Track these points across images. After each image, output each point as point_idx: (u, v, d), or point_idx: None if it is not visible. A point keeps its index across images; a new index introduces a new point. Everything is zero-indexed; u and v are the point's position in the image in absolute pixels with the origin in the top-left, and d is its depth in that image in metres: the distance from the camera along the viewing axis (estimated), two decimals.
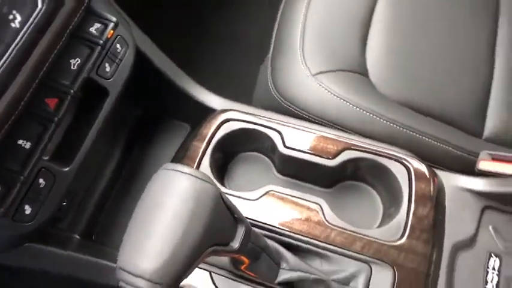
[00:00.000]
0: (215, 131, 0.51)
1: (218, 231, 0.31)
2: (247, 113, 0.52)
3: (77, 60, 0.41)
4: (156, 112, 0.59)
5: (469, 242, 0.45)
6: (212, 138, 0.51)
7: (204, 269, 0.44)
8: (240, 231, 0.34)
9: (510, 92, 0.64)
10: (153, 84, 0.54)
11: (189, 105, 0.56)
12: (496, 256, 0.45)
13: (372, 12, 0.63)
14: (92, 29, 0.42)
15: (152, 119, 0.60)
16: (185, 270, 0.29)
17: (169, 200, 0.29)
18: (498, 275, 0.44)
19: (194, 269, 0.31)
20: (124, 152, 0.58)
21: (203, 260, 0.31)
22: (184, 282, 0.44)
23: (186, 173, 0.30)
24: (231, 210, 0.33)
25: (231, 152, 0.55)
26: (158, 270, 0.27)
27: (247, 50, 0.84)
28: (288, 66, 0.58)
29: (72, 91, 0.40)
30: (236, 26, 0.99)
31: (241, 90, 0.69)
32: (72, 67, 0.41)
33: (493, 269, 0.44)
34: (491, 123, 0.62)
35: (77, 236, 0.53)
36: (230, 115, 0.51)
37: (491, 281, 0.44)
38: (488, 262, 0.45)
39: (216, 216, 0.30)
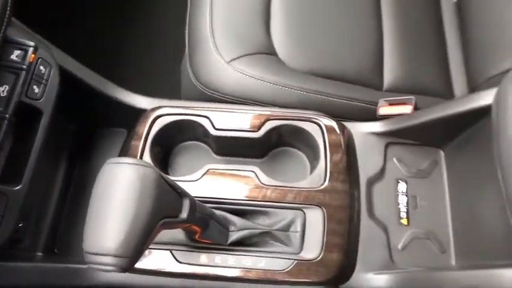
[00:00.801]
0: (149, 128, 0.56)
1: (165, 205, 0.37)
2: (175, 107, 0.57)
3: (5, 87, 0.44)
4: (92, 123, 0.63)
5: (380, 174, 0.55)
6: (148, 135, 0.56)
7: (165, 249, 0.50)
8: (186, 204, 0.40)
9: (399, 44, 0.75)
10: (82, 98, 0.57)
11: (121, 111, 0.60)
12: (403, 181, 0.55)
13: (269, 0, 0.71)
14: (13, 57, 0.45)
15: (89, 131, 0.64)
16: (143, 243, 0.35)
17: (118, 186, 0.34)
18: (406, 195, 0.54)
19: (151, 241, 0.36)
20: (69, 166, 0.61)
21: (158, 232, 0.36)
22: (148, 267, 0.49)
23: (128, 162, 0.35)
24: (173, 187, 0.39)
25: (169, 145, 0.60)
26: (121, 246, 0.33)
27: (167, 50, 0.88)
28: (204, 59, 0.64)
29: (6, 116, 0.43)
30: (154, 28, 1.03)
31: (168, 89, 0.74)
32: (1, 94, 0.44)
33: (402, 191, 0.54)
34: (389, 75, 0.73)
35: (40, 253, 0.56)
36: (161, 111, 0.57)
37: (402, 202, 0.54)
38: (397, 187, 0.55)
39: (161, 193, 0.36)
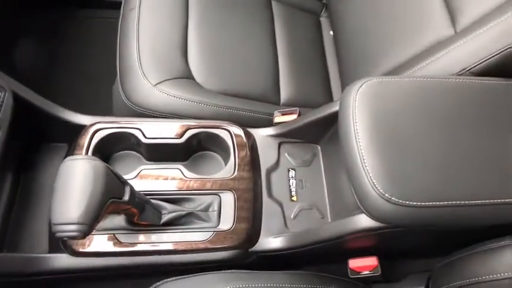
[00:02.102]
0: (90, 140, 0.68)
1: (112, 188, 0.50)
2: (112, 122, 0.70)
3: None
4: (36, 139, 0.73)
5: (275, 165, 0.73)
6: (89, 146, 0.68)
7: (109, 234, 0.62)
8: (127, 189, 0.53)
9: (291, 68, 0.95)
10: (26, 117, 0.67)
11: (62, 128, 0.72)
12: (292, 169, 0.73)
13: (186, 31, 0.87)
14: None
15: (33, 147, 0.74)
16: (98, 215, 0.48)
17: (76, 174, 0.47)
18: (295, 179, 0.72)
19: (103, 215, 0.49)
20: (15, 176, 0.70)
21: (108, 209, 0.50)
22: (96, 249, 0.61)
23: (83, 158, 0.49)
24: (117, 176, 0.52)
25: (107, 155, 0.72)
26: (81, 216, 0.46)
27: (97, 75, 1.00)
28: (134, 83, 0.78)
29: None
30: (85, 56, 1.15)
31: (100, 111, 0.85)
32: None
33: (292, 177, 0.73)
34: (284, 93, 0.93)
35: None
36: (99, 126, 0.69)
37: (292, 184, 0.72)
38: (288, 174, 0.73)
39: (108, 179, 0.49)
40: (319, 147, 0.76)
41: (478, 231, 0.59)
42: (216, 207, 0.66)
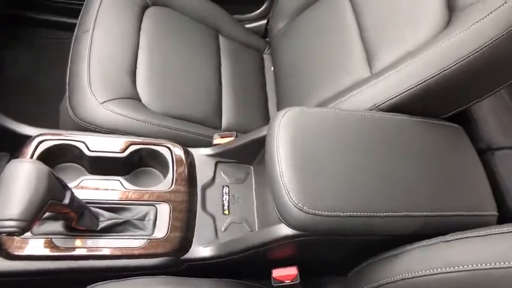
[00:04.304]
0: (34, 149, 0.72)
1: (53, 190, 0.55)
2: (57, 134, 0.74)
3: None
4: None
5: (211, 182, 0.80)
6: (33, 156, 0.71)
7: (46, 238, 0.65)
8: (68, 193, 0.58)
9: (233, 96, 1.04)
10: None
11: (6, 137, 0.75)
12: (226, 186, 0.80)
13: (136, 55, 0.94)
14: None
15: None
16: (38, 213, 0.52)
17: (20, 175, 0.51)
18: (228, 195, 0.79)
19: (43, 214, 0.53)
20: None
21: (47, 209, 0.54)
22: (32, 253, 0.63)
23: (27, 160, 0.53)
24: (59, 179, 0.57)
25: (51, 166, 0.75)
26: (21, 212, 0.50)
27: (49, 92, 1.03)
28: (82, 99, 0.83)
29: None
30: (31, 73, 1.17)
31: (48, 125, 0.89)
32: None
33: (225, 193, 0.80)
34: (225, 118, 1.01)
35: None
36: (45, 137, 0.73)
37: (225, 200, 0.79)
38: (223, 190, 0.80)
39: (51, 181, 0.54)
40: (251, 168, 0.85)
41: (381, 243, 0.69)
42: (152, 217, 0.71)
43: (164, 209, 0.71)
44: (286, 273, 0.72)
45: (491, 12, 0.67)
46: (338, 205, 0.61)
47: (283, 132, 0.66)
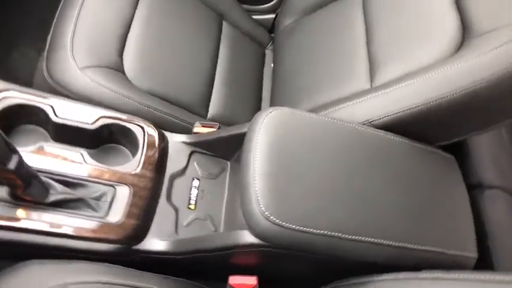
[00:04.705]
0: None
1: None
2: (24, 92, 0.68)
3: None
4: None
5: (181, 172, 0.74)
6: None
7: None
8: (15, 158, 0.52)
9: (225, 87, 0.99)
10: None
11: None
12: (197, 179, 0.75)
13: (129, 26, 0.88)
14: None
15: None
16: None
17: None
18: (197, 189, 0.74)
19: None
20: None
21: None
22: None
23: None
24: (6, 142, 0.51)
25: (11, 124, 0.70)
26: None
27: (29, 48, 0.97)
28: (60, 61, 0.77)
29: None
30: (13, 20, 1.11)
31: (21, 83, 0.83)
32: None
33: (195, 186, 0.74)
34: (212, 108, 0.96)
35: None
36: (9, 93, 0.67)
37: (193, 193, 0.73)
38: (192, 182, 0.74)
39: None
40: (228, 164, 0.79)
41: (351, 266, 0.64)
42: (109, 198, 0.65)
43: (124, 192, 0.66)
44: (244, 282, 0.67)
45: (507, 43, 0.62)
46: (309, 220, 0.56)
47: (264, 132, 0.60)
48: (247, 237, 0.58)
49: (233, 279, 0.67)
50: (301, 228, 0.55)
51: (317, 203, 0.57)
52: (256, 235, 0.56)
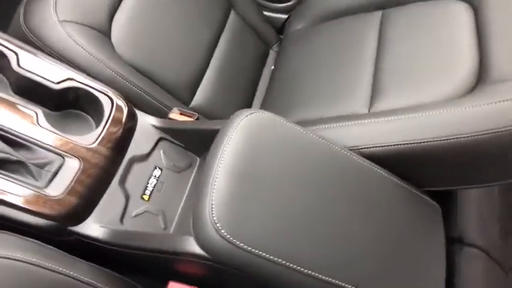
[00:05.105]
0: None
1: None
2: None
3: None
4: None
5: (144, 157, 0.67)
6: None
7: None
8: None
9: (217, 78, 0.92)
10: None
11: None
12: (159, 169, 0.68)
13: None
14: None
15: None
16: None
17: None
18: (157, 179, 0.67)
19: None
20: None
21: None
22: None
23: None
24: None
25: None
26: None
27: None
28: (39, 9, 0.70)
29: None
30: None
31: None
32: None
33: (155, 176, 0.67)
34: (198, 97, 0.89)
35: None
36: None
37: (151, 183, 0.66)
38: (153, 171, 0.67)
39: None
40: (198, 160, 0.72)
41: None
42: (53, 169, 0.58)
43: (72, 166, 0.59)
44: None
45: None
46: (264, 243, 0.49)
47: (238, 136, 0.54)
48: (192, 246, 0.51)
49: (173, 286, 0.60)
50: (253, 250, 0.48)
51: (277, 225, 0.51)
52: (201, 246, 0.49)
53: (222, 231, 0.47)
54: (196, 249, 0.50)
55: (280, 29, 1.14)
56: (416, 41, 0.78)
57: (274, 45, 1.12)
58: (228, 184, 0.50)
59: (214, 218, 0.47)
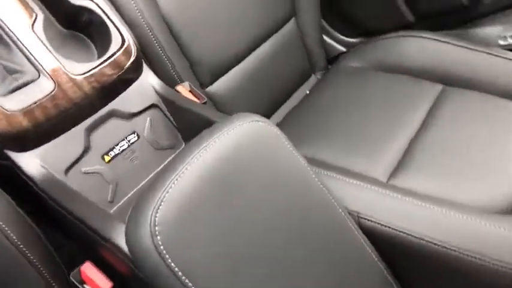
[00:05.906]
0: None
1: None
2: None
3: None
4: None
5: (127, 116, 0.58)
6: None
7: None
8: None
9: (250, 73, 0.83)
10: None
11: None
12: (137, 136, 0.58)
13: None
14: None
15: None
16: None
17: None
18: (129, 145, 0.57)
19: None
20: None
21: None
22: None
23: None
24: None
25: None
26: None
27: None
28: None
29: None
30: None
31: None
32: None
33: (129, 140, 0.58)
34: (218, 84, 0.80)
35: None
36: None
37: (121, 146, 0.57)
38: (130, 135, 0.58)
39: None
40: (183, 146, 0.63)
41: None
42: (22, 80, 0.49)
43: (44, 87, 0.50)
44: (97, 281, 0.50)
45: None
46: (196, 272, 0.39)
47: (228, 139, 0.44)
48: (119, 237, 0.41)
49: (87, 267, 0.50)
50: (182, 276, 0.37)
51: (220, 260, 0.40)
52: (127, 241, 0.39)
53: (158, 237, 0.37)
54: (122, 242, 0.41)
55: (332, 59, 1.05)
56: (466, 131, 0.69)
57: (319, 72, 1.03)
58: (190, 188, 0.40)
59: (156, 219, 0.37)
